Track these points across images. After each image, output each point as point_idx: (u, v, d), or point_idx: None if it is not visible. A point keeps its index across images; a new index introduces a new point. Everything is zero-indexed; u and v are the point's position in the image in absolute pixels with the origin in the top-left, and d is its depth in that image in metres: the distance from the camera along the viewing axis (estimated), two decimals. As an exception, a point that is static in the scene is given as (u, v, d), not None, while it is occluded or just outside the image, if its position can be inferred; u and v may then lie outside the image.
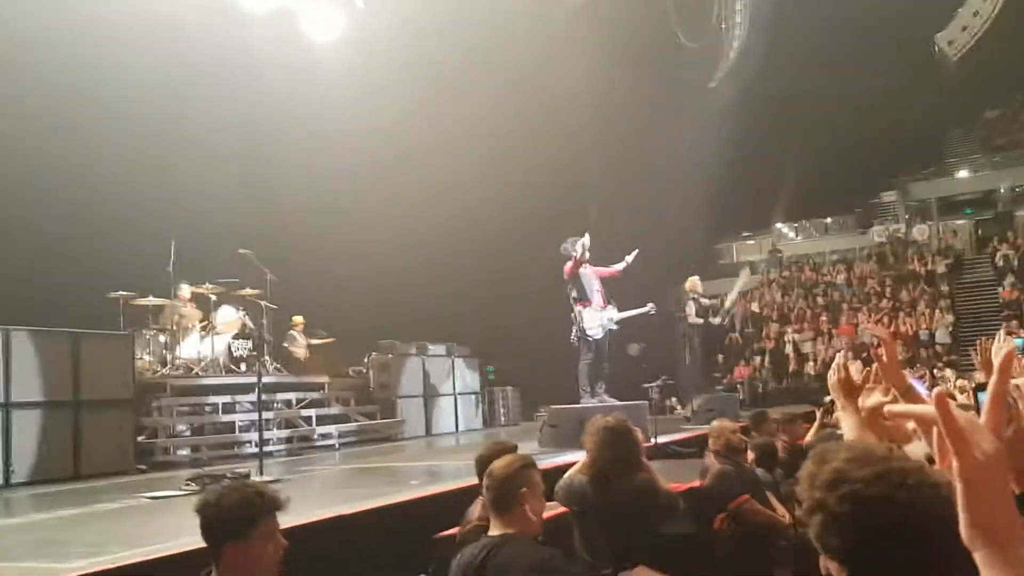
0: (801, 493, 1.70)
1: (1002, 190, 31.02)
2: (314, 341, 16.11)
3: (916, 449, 3.53)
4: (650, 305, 12.68)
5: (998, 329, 9.70)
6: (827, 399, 7.92)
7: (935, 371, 18.50)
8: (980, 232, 28.99)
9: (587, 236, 11.86)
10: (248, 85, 15.96)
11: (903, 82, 28.55)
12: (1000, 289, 24.76)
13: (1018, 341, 3.74)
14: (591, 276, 12.08)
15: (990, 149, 33.55)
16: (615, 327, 12.22)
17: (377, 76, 17.38)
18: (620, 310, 12.38)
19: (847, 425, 2.70)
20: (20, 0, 13.43)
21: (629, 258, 12.50)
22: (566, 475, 4.87)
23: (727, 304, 15.78)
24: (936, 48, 31.70)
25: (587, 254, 11.88)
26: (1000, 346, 3.53)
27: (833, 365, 2.82)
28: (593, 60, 19.97)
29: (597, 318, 11.93)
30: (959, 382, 10.53)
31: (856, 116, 27.91)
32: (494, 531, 3.42)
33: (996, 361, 1.50)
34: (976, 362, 4.08)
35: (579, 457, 5.05)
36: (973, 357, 4.22)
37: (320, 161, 16.94)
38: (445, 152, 18.23)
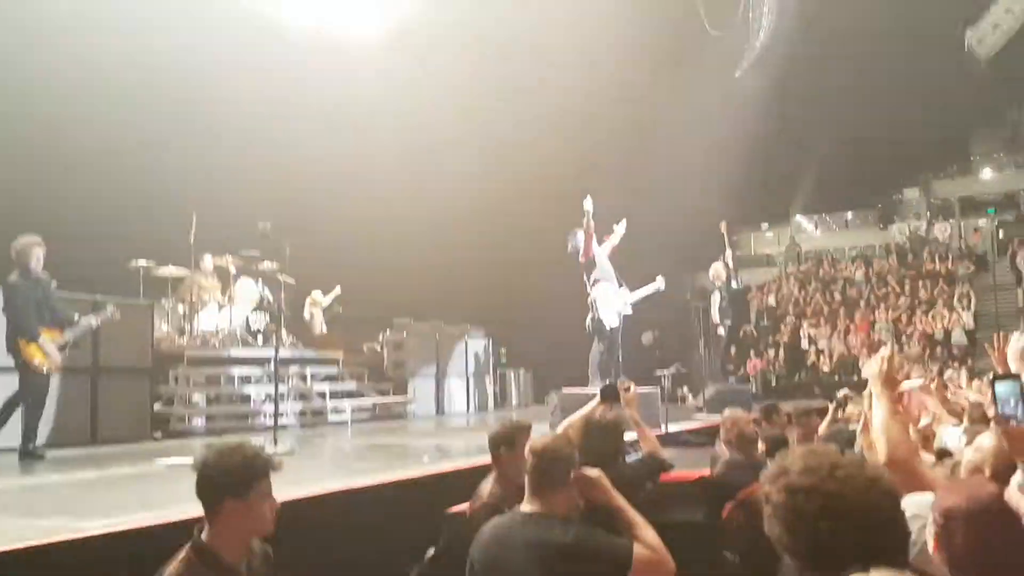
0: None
1: (1026, 191, 30.80)
2: (327, 300, 16.31)
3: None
4: (659, 279, 12.49)
5: (1016, 331, 9.88)
6: (840, 393, 8.19)
7: (943, 371, 18.20)
8: (1002, 233, 28.71)
9: (588, 199, 11.57)
10: (274, 58, 15.98)
11: (931, 78, 28.20)
12: (1020, 291, 24.59)
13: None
14: (603, 256, 11.95)
15: (1015, 149, 33.19)
16: (630, 311, 12.16)
17: (403, 56, 17.53)
18: (631, 291, 12.29)
19: (879, 414, 2.85)
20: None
21: (619, 228, 12.37)
22: None
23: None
24: (966, 45, 31.29)
25: (592, 222, 11.64)
26: (1018, 343, 3.56)
27: (876, 356, 2.95)
28: (617, 44, 19.83)
29: (613, 303, 11.81)
30: (974, 383, 10.33)
31: (881, 111, 27.56)
32: (530, 508, 3.35)
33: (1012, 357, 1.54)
34: (992, 357, 4.10)
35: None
36: (989, 353, 4.22)
37: (344, 139, 16.90)
38: (466, 131, 18.25)
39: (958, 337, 22.59)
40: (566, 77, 19.67)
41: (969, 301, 24.36)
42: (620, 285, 11.95)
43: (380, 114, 17.24)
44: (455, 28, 18.47)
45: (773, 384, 21.76)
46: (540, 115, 18.97)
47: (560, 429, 4.65)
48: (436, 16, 18.05)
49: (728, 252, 15.13)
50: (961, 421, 4.83)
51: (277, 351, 10.16)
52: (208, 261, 13.90)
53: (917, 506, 2.12)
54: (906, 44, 27.74)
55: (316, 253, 15.02)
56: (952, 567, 1.81)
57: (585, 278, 11.82)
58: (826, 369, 21.73)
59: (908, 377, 3.18)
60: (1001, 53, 30.69)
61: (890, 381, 2.95)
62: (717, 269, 15.05)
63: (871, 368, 2.97)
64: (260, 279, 14.24)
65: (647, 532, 3.25)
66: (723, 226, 15.23)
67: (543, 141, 19.19)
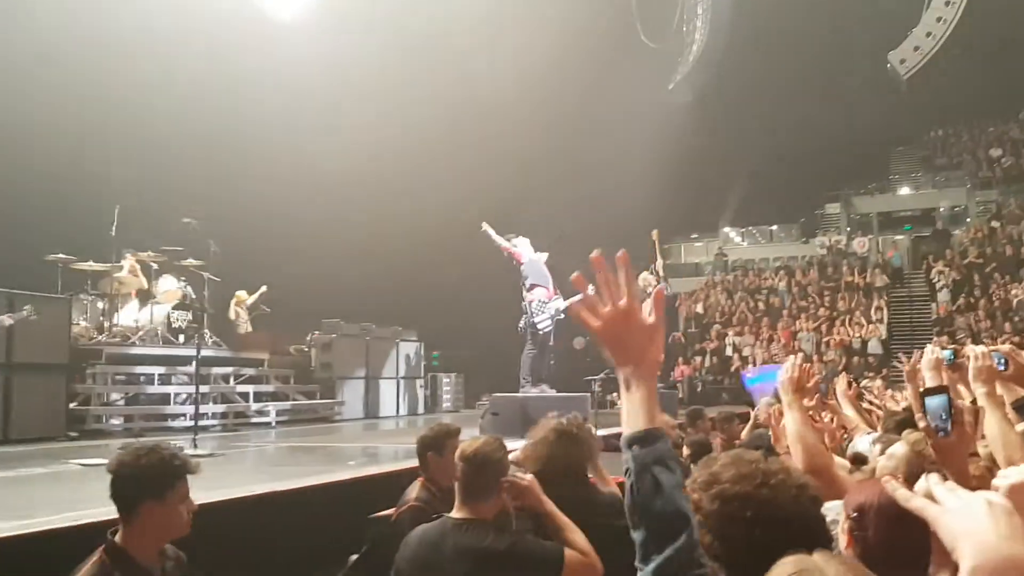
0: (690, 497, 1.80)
1: (941, 209, 31.69)
2: (252, 299, 15.95)
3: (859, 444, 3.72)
4: (590, 287, 12.64)
5: (928, 343, 9.93)
6: (763, 400, 8.11)
7: (860, 380, 18.89)
8: (918, 248, 29.55)
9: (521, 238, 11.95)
10: (204, 51, 15.62)
11: (853, 96, 29.13)
12: (934, 304, 25.26)
13: (946, 352, 3.86)
14: (540, 262, 11.99)
15: (932, 168, 34.28)
16: (562, 316, 12.02)
17: (334, 46, 17.14)
18: (564, 298, 12.02)
19: (790, 420, 2.89)
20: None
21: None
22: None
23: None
24: (888, 65, 32.23)
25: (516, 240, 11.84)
26: (931, 354, 3.68)
27: (784, 366, 2.99)
28: (548, 50, 19.79)
29: (547, 308, 11.79)
30: (888, 391, 10.50)
31: (806, 129, 28.18)
32: (460, 514, 3.31)
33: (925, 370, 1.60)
34: (904, 371, 4.24)
35: (520, 445, 4.72)
36: (903, 365, 4.38)
37: (274, 134, 16.55)
38: (398, 134, 18.02)
39: (874, 347, 23.17)
40: (496, 78, 19.53)
41: (885, 313, 25.00)
42: (556, 292, 11.88)
43: (317, 115, 17.06)
44: (394, 28, 18.50)
45: (699, 390, 22.09)
46: (471, 125, 18.87)
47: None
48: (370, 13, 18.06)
49: (659, 260, 15.28)
50: (875, 429, 4.97)
51: (199, 350, 10.02)
52: (128, 257, 13.53)
53: (836, 511, 2.16)
54: (832, 64, 28.48)
55: (243, 250, 14.92)
56: (865, 560, 1.82)
57: (521, 282, 11.87)
58: (749, 376, 22.08)
59: (817, 387, 3.21)
60: (920, 74, 31.62)
61: (800, 389, 2.99)
62: (646, 278, 15.06)
63: (781, 376, 3.02)
64: (183, 276, 13.94)
65: (577, 536, 3.26)
66: (654, 234, 15.42)
67: (476, 144, 19.10)
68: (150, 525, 2.87)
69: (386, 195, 17.68)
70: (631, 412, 1.65)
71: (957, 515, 1.12)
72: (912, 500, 1.19)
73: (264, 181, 16.53)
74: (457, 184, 18.10)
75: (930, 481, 1.20)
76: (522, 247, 11.90)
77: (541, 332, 11.73)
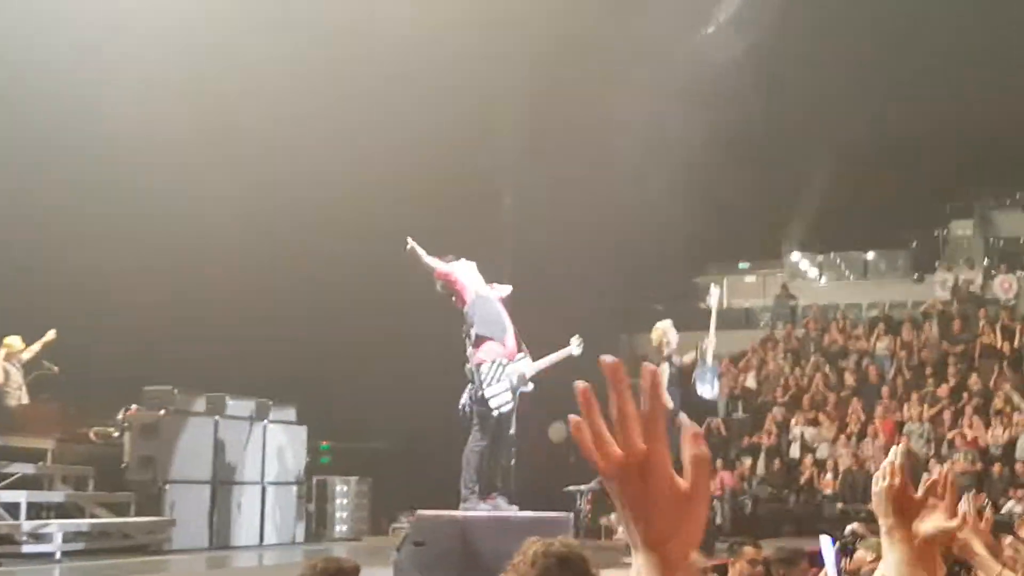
0: None
1: None
2: (30, 353, 13.11)
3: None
4: (575, 340, 10.52)
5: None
6: (848, 529, 7.03)
7: (1000, 502, 15.20)
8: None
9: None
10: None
11: (1000, 68, 22.71)
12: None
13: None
14: (491, 302, 10.10)
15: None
16: (528, 387, 10.12)
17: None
18: (534, 359, 10.39)
19: (893, 560, 2.34)
20: None
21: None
22: None
23: (708, 356, 12.18)
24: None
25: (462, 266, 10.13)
26: None
27: (882, 467, 2.44)
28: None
29: (505, 374, 9.78)
30: None
31: (924, 109, 22.54)
32: None
33: None
34: None
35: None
36: None
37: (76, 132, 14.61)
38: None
39: (1024, 450, 18.72)
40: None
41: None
42: (520, 350, 10.05)
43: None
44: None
45: (747, 510, 17.82)
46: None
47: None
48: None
49: (715, 302, 12.56)
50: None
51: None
52: None
53: None
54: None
55: (18, 283, 13.60)
56: None
57: (464, 333, 10.07)
58: (828, 491, 17.65)
59: (951, 494, 2.35)
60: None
61: (905, 505, 2.32)
62: (664, 331, 11.73)
63: (877, 487, 2.39)
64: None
65: None
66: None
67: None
68: None
69: (245, 197, 15.50)
70: None
71: None
72: None
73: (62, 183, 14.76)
74: (367, 181, 15.56)
75: None
76: (464, 275, 10.07)
77: (494, 414, 9.88)
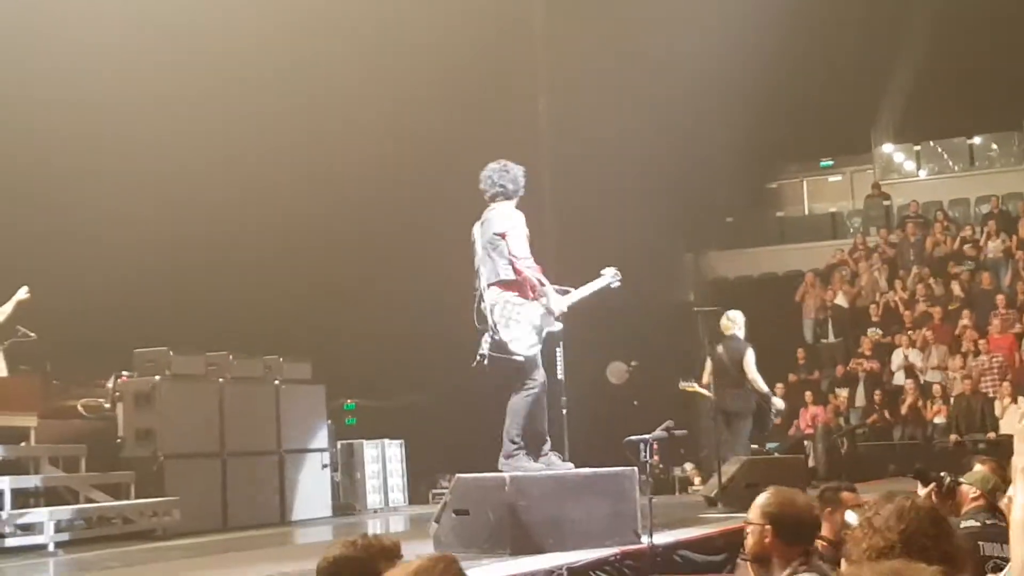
0: None
1: None
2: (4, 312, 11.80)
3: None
4: (609, 271, 9.50)
5: None
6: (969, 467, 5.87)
7: None
8: None
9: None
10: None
11: None
12: None
13: None
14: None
15: None
16: (556, 327, 8.99)
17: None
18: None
19: (1020, 496, 2.49)
20: None
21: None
22: None
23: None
24: None
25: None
26: None
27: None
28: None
29: (538, 314, 8.75)
30: None
31: None
32: None
33: None
34: None
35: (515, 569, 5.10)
36: None
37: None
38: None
39: None
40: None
41: None
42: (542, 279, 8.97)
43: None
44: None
45: (843, 448, 16.27)
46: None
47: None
48: None
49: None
50: None
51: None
52: None
53: None
54: None
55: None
56: None
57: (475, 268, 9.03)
58: (938, 420, 16.00)
59: None
60: None
61: None
62: (729, 323, 11.59)
63: (1014, 418, 1.14)
64: None
65: None
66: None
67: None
68: None
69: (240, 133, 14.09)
70: None
71: None
72: None
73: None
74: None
75: None
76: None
77: (524, 358, 8.77)
